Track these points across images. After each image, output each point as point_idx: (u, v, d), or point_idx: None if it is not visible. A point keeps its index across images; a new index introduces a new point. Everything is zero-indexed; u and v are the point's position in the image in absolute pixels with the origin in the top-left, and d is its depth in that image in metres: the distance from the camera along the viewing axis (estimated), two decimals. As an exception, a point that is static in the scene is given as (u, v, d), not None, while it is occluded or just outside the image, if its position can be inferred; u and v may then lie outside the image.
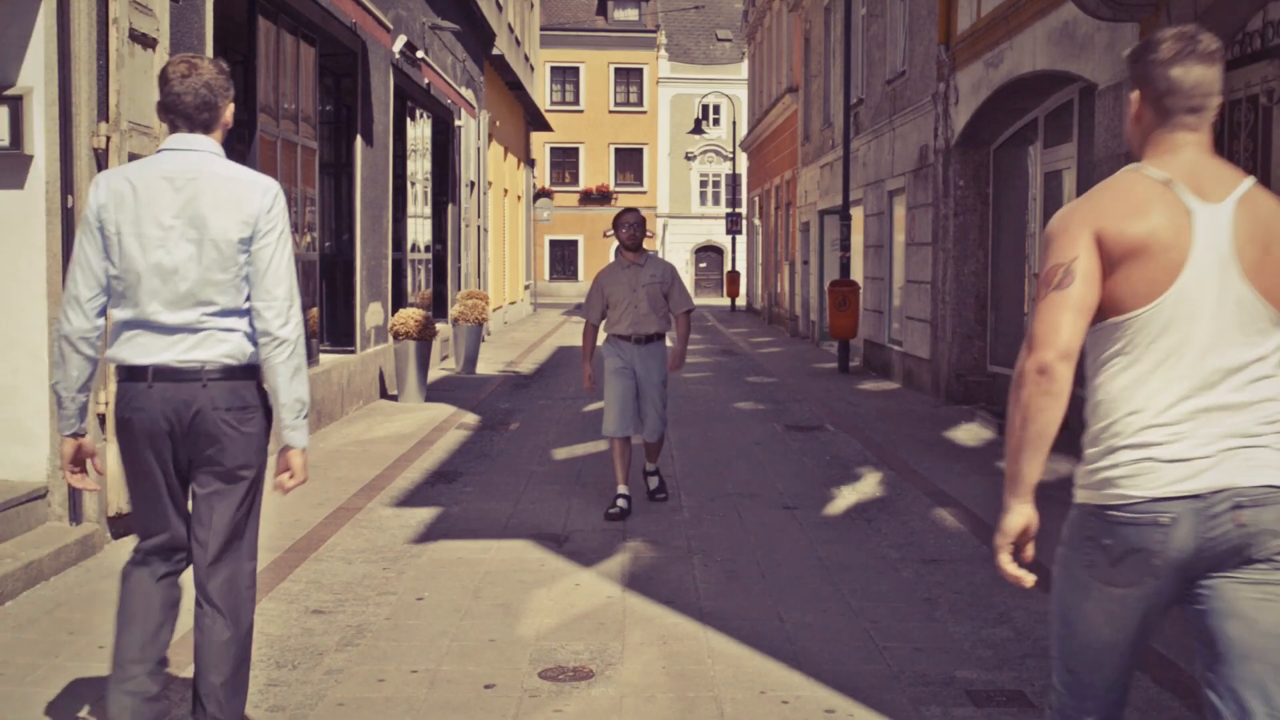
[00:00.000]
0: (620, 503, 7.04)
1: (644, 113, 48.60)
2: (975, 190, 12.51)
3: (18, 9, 5.90)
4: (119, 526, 6.21)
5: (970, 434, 10.45)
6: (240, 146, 9.56)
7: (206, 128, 3.31)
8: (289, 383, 3.27)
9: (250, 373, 3.31)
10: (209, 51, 7.68)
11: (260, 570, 5.75)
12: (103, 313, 3.28)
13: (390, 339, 12.51)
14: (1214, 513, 2.31)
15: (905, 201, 14.61)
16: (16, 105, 5.85)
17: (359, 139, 11.89)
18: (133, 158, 6.19)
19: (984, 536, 6.54)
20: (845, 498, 7.70)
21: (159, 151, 3.32)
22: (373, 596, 5.35)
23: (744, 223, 36.55)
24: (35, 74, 5.91)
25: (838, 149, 18.25)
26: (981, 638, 4.85)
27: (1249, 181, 2.44)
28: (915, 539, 6.53)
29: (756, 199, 32.47)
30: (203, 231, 3.21)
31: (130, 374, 3.26)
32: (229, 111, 3.38)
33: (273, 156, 9.30)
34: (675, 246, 48.08)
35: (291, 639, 4.74)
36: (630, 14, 49.01)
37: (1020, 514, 2.50)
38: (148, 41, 6.41)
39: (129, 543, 6.16)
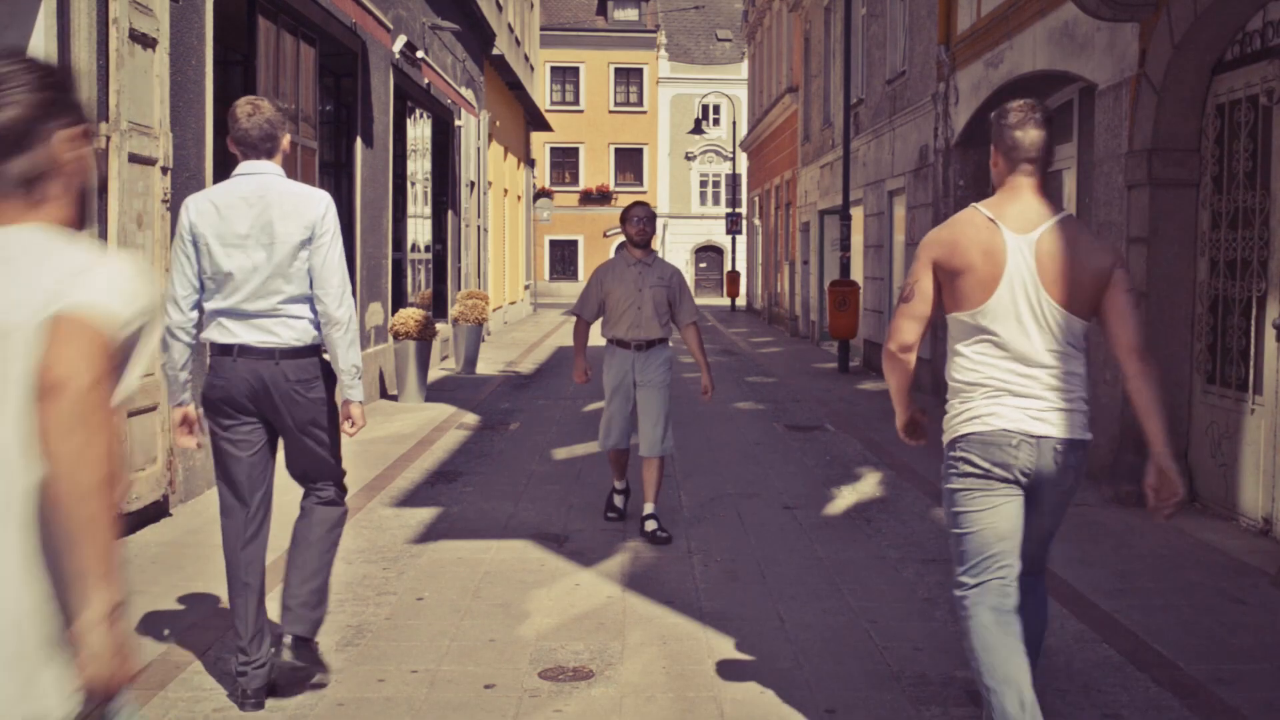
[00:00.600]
0: (617, 500, 6.93)
1: (644, 113, 48.60)
2: (975, 190, 12.50)
3: (18, 9, 5.90)
4: (119, 526, 6.19)
5: (970, 434, 10.44)
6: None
7: (269, 154, 4.14)
8: (345, 353, 4.09)
9: (313, 351, 4.10)
10: (209, 51, 7.69)
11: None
12: (196, 306, 4.06)
13: (390, 339, 12.51)
14: (1043, 450, 3.35)
15: (905, 201, 14.61)
16: (16, 105, 5.85)
17: (359, 139, 11.88)
18: (133, 157, 6.19)
19: (984, 536, 6.54)
20: (845, 498, 7.70)
21: (234, 176, 4.10)
22: (373, 596, 5.35)
23: (744, 223, 36.55)
24: (35, 74, 5.91)
25: (838, 149, 18.25)
26: (981, 638, 4.85)
27: (1060, 216, 3.42)
28: (915, 539, 6.53)
29: (756, 199, 32.46)
30: (273, 237, 3.98)
31: (220, 350, 4.05)
32: (286, 140, 4.21)
33: (273, 156, 9.30)
34: (675, 246, 48.07)
35: (291, 639, 4.73)
36: (630, 14, 49.01)
37: (901, 418, 3.68)
38: (148, 41, 6.41)
39: (129, 543, 6.17)
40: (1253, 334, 6.68)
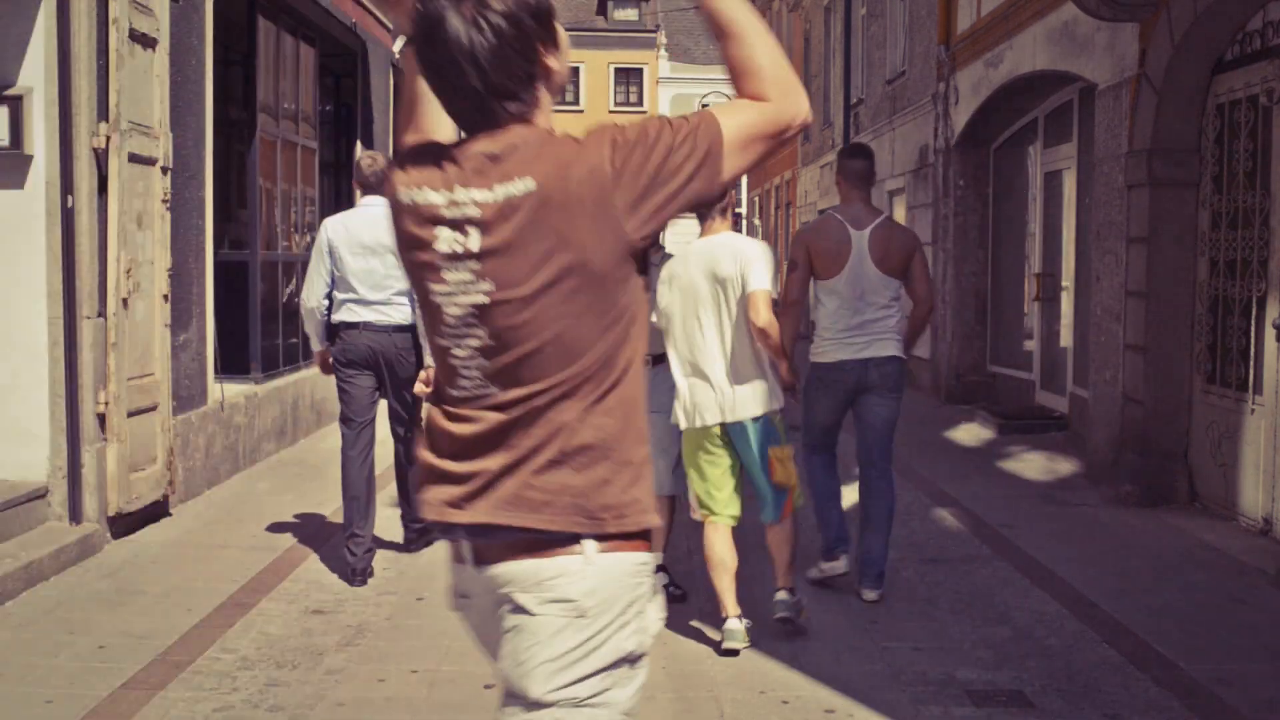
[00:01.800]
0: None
1: (644, 112, 48.58)
2: (975, 190, 12.51)
3: (18, 9, 5.89)
4: (119, 526, 6.21)
5: (970, 434, 10.45)
6: (240, 146, 9.55)
7: (379, 192, 5.51)
8: None
9: (410, 328, 5.59)
10: (209, 51, 7.68)
11: (260, 570, 5.79)
12: (327, 295, 5.63)
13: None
14: (866, 369, 5.28)
15: (905, 201, 14.61)
16: (16, 105, 5.84)
17: (359, 139, 11.88)
18: (132, 157, 6.19)
19: (984, 536, 6.53)
20: (845, 497, 7.67)
21: (358, 206, 5.75)
22: (373, 596, 5.35)
23: (744, 223, 36.54)
24: (35, 74, 5.91)
25: (838, 149, 18.25)
26: (981, 638, 4.85)
27: (881, 218, 5.41)
28: (915, 539, 6.52)
29: (756, 199, 32.44)
30: (385, 248, 5.43)
31: (348, 326, 5.61)
32: None
33: (273, 156, 9.29)
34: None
35: (291, 639, 4.74)
36: (630, 14, 49.00)
37: (786, 371, 4.91)
38: (148, 41, 6.41)
39: (129, 543, 6.18)
40: (1253, 334, 6.68)
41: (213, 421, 7.66)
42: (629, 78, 48.64)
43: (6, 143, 5.85)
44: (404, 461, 5.88)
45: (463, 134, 1.91)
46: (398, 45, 12.87)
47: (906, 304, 5.41)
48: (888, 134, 15.57)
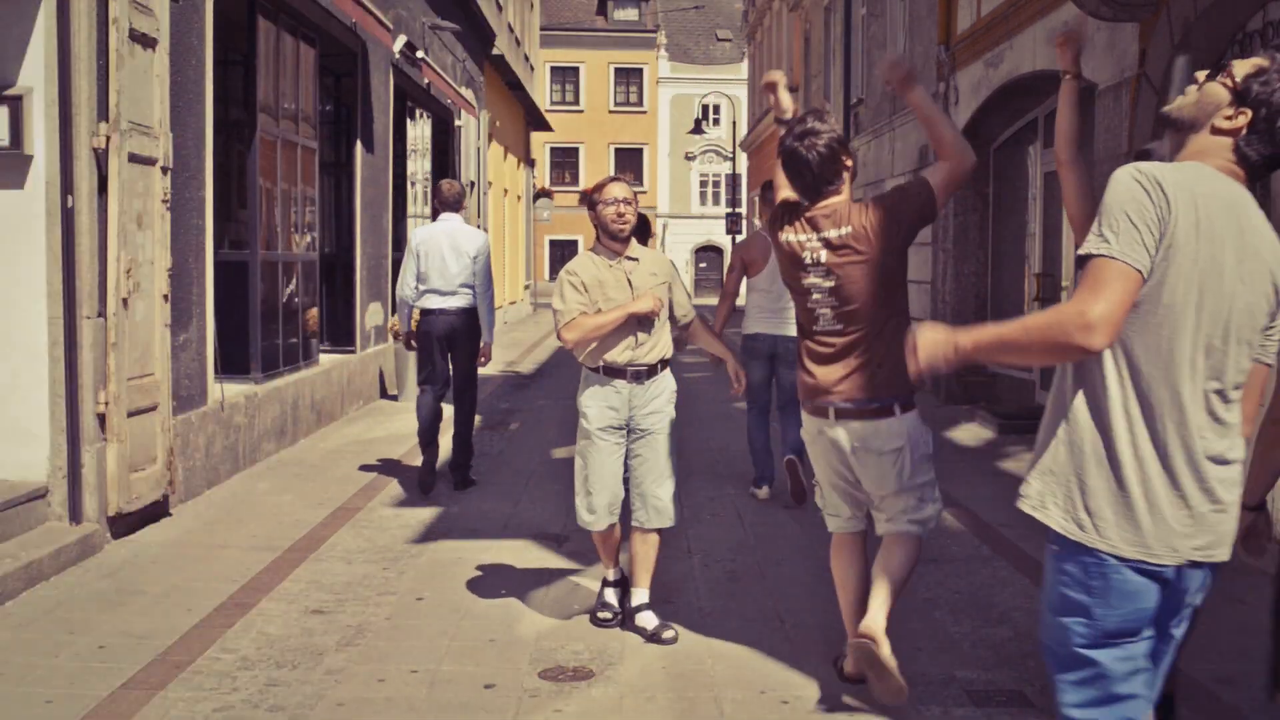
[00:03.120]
0: (609, 595, 5.04)
1: (644, 113, 48.58)
2: (975, 190, 12.51)
3: (18, 9, 5.90)
4: (119, 526, 6.21)
5: (970, 434, 10.45)
6: (240, 146, 9.55)
7: (456, 209, 7.63)
8: (488, 315, 7.61)
9: (473, 313, 7.54)
10: (209, 51, 7.68)
11: (260, 570, 5.79)
12: (415, 287, 7.49)
13: (390, 339, 12.50)
14: (776, 342, 7.28)
15: (905, 201, 14.58)
16: (16, 105, 5.85)
17: (359, 139, 11.88)
18: (133, 157, 6.19)
19: (984, 536, 6.53)
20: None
21: (438, 220, 7.61)
22: (373, 596, 5.35)
23: (744, 223, 36.53)
24: (35, 74, 5.91)
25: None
26: (981, 638, 4.85)
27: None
28: (915, 539, 6.51)
29: (756, 199, 32.42)
30: (459, 253, 7.45)
31: (426, 312, 7.50)
32: (464, 202, 7.61)
33: (273, 156, 9.29)
34: (675, 247, 48.07)
35: (291, 639, 4.74)
36: (630, 14, 48.99)
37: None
38: (148, 41, 6.41)
39: (129, 543, 6.19)
40: (1253, 334, 6.67)
41: (213, 421, 7.66)
42: (629, 78, 48.61)
43: (6, 143, 5.85)
44: (464, 418, 7.76)
45: (804, 200, 4.01)
46: (398, 45, 12.86)
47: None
48: (887, 134, 15.57)
